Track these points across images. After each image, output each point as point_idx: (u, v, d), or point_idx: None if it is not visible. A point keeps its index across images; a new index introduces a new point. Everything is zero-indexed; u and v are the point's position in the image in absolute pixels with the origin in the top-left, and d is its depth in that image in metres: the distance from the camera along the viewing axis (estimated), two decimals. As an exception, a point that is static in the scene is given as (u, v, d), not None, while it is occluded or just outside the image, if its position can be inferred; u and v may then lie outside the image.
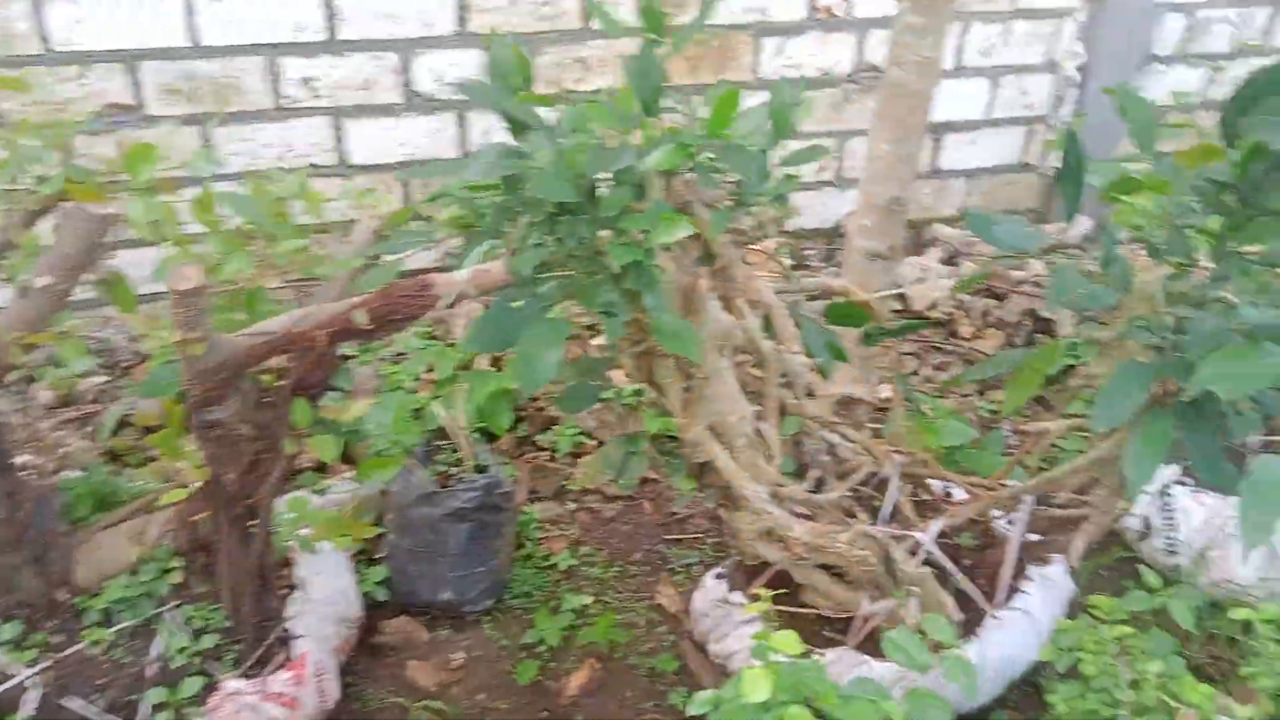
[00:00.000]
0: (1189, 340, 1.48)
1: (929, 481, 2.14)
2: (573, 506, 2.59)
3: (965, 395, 3.03)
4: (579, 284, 1.45)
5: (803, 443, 1.91)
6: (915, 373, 3.12)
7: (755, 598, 2.00)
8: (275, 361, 1.55)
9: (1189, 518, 2.32)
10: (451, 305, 1.36)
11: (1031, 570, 2.12)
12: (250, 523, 1.74)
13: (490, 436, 2.65)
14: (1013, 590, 2.08)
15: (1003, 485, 2.01)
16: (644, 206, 1.46)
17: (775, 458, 1.81)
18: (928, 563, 1.92)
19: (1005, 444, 2.75)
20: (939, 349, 3.16)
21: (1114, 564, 2.46)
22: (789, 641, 1.05)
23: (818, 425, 1.91)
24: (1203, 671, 2.15)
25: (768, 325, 1.81)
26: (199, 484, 1.64)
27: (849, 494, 2.11)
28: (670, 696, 2.10)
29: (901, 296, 3.28)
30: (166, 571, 1.80)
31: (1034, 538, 2.19)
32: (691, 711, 1.03)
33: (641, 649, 2.23)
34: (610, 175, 1.44)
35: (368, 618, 2.25)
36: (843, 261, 2.40)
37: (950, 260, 3.84)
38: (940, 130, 3.89)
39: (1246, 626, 1.38)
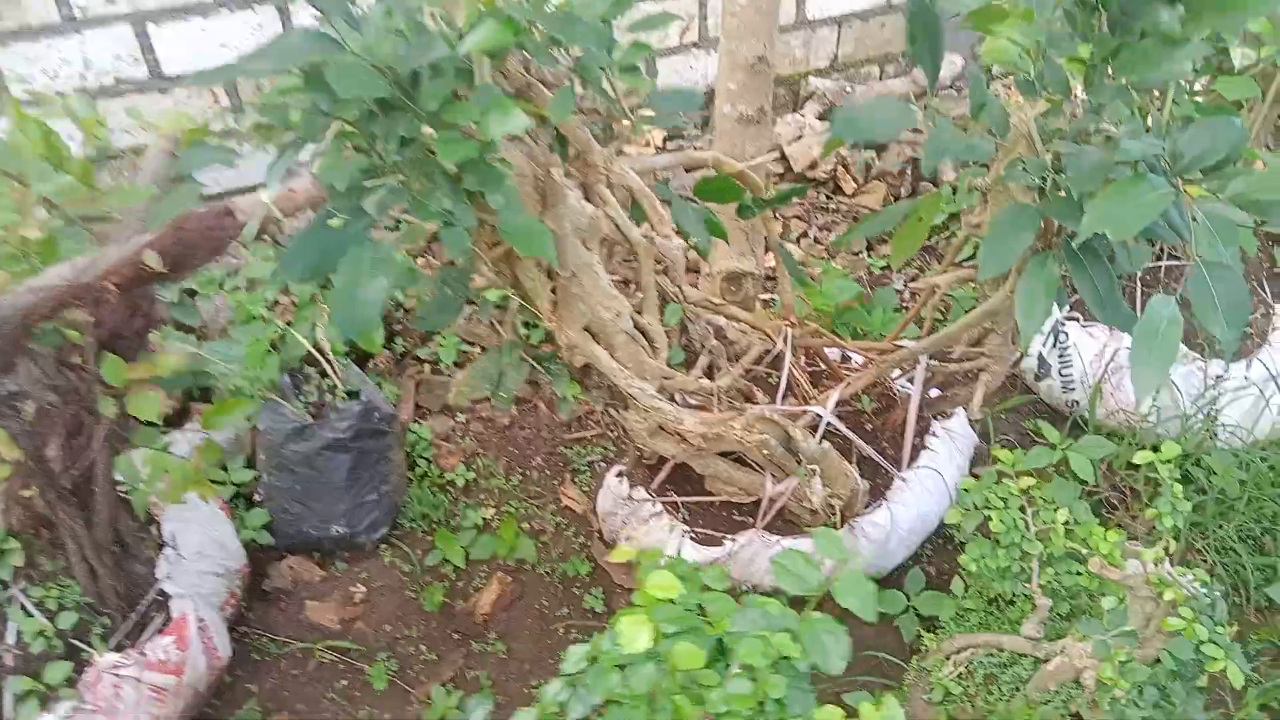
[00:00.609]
0: (1070, 178, 1.40)
1: (825, 351, 2.07)
2: (464, 419, 2.46)
3: (855, 254, 2.96)
4: (410, 191, 1.28)
5: (689, 329, 1.81)
6: (804, 235, 3.03)
7: (659, 492, 1.94)
8: (80, 316, 1.36)
9: (1083, 352, 2.32)
10: (260, 232, 1.18)
11: (935, 426, 2.10)
12: (90, 489, 1.57)
13: (365, 357, 2.49)
14: (918, 449, 2.05)
15: (898, 346, 1.95)
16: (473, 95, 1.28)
17: (660, 350, 1.70)
18: (829, 434, 1.87)
19: (899, 300, 2.70)
20: (824, 209, 3.06)
21: (1015, 408, 2.46)
22: (667, 584, 0.95)
23: (701, 309, 1.81)
24: (1109, 511, 2.18)
25: (638, 211, 1.68)
26: (18, 460, 1.46)
27: (744, 375, 2.04)
28: (585, 599, 2.04)
29: (783, 157, 3.15)
30: (3, 554, 1.63)
31: (934, 393, 2.16)
32: (565, 669, 0.94)
33: (552, 556, 2.16)
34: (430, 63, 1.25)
35: (255, 564, 2.12)
36: (713, 129, 2.25)
37: (828, 114, 3.71)
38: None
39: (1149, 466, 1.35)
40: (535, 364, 1.68)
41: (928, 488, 1.98)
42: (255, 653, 1.98)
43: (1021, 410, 2.48)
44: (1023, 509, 1.51)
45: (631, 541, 1.98)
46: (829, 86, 3.86)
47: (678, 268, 1.72)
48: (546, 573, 2.11)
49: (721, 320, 1.82)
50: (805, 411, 1.80)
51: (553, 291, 1.57)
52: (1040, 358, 2.40)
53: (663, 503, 1.96)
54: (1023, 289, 1.42)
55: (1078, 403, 2.34)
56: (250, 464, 2.22)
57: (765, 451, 1.69)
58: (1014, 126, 1.60)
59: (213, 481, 2.11)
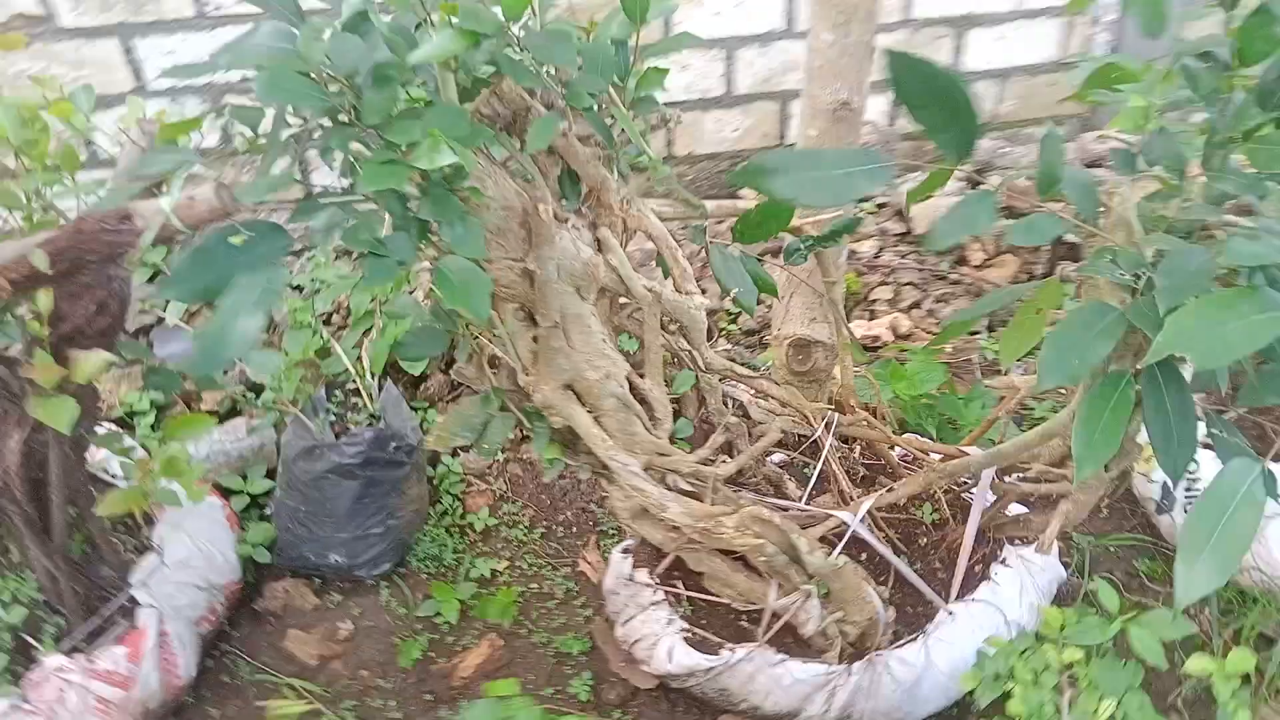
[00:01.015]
0: (1163, 282, 1.09)
1: (885, 446, 1.78)
2: (504, 457, 2.31)
3: (974, 333, 2.62)
4: (352, 213, 1.13)
5: (706, 402, 1.58)
6: (917, 305, 2.72)
7: (663, 578, 1.72)
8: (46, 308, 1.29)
9: (1215, 488, 1.91)
10: (170, 240, 1.06)
11: (1008, 552, 1.77)
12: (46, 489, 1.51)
13: (419, 379, 2.38)
14: (978, 578, 1.73)
15: (962, 453, 1.65)
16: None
17: (662, 421, 1.49)
18: (861, 547, 1.59)
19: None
20: (944, 278, 2.74)
21: (1131, 539, 2.07)
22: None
23: (725, 379, 1.57)
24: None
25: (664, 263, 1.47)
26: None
27: (779, 463, 1.78)
28: (573, 683, 1.83)
29: (900, 216, 2.86)
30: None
31: (1017, 510, 1.83)
32: None
33: (553, 624, 1.96)
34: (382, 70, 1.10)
35: (255, 580, 2.04)
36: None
37: (978, 174, 3.37)
38: (961, 24, 3.38)
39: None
40: (524, 415, 1.49)
41: (981, 625, 1.65)
42: (227, 675, 1.88)
43: (1138, 547, 2.08)
44: (1059, 689, 1.19)
45: (629, 628, 1.75)
46: (982, 145, 3.50)
47: (694, 328, 1.50)
48: (541, 643, 1.92)
49: (744, 394, 1.58)
50: (829, 516, 1.53)
51: (534, 340, 1.38)
52: (1165, 487, 2.00)
53: (665, 591, 1.73)
54: (1086, 412, 1.12)
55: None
56: (271, 475, 2.15)
57: (762, 558, 1.44)
58: (1115, 209, 1.30)
59: (228, 490, 2.06)
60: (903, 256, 2.84)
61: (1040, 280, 2.62)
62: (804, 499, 1.61)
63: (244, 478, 2.13)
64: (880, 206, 3.11)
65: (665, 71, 1.33)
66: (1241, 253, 0.98)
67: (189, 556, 1.85)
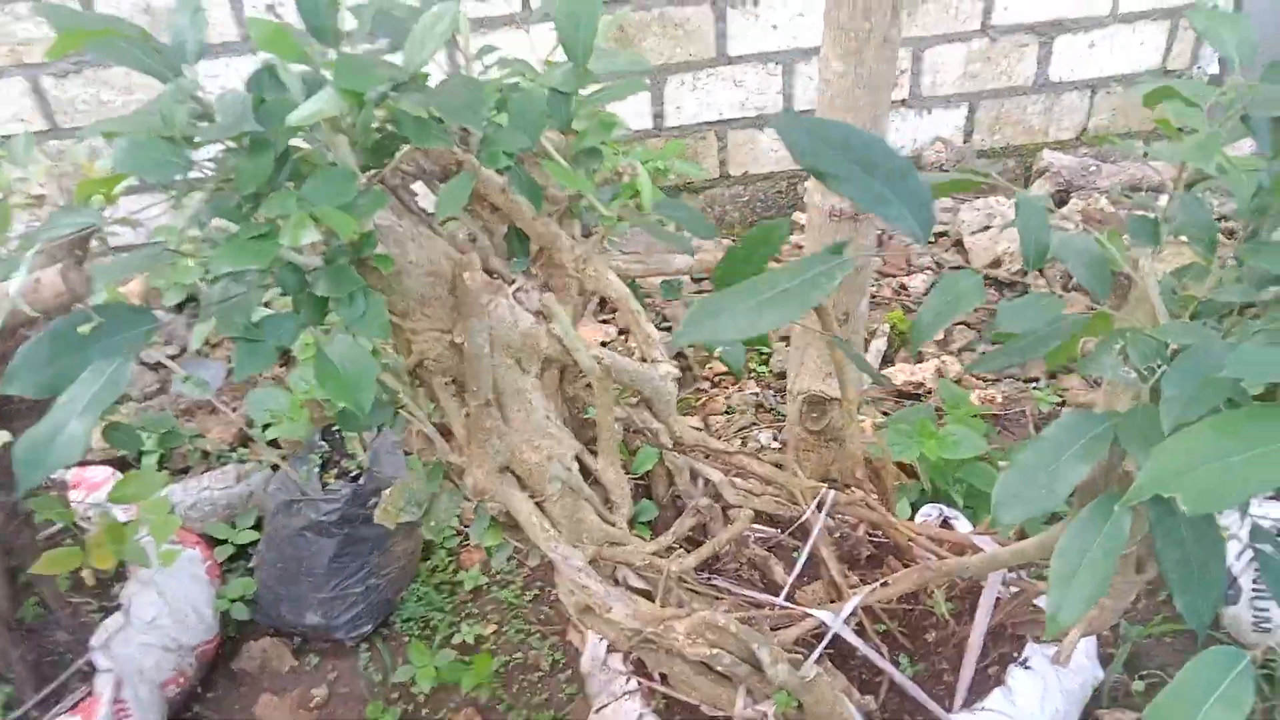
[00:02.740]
0: (1169, 389, 0.88)
1: (895, 522, 1.58)
2: (506, 508, 2.18)
3: (1029, 381, 2.38)
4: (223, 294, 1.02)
5: (675, 481, 1.42)
6: (969, 349, 2.49)
7: (638, 668, 1.56)
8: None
9: (1291, 581, 1.65)
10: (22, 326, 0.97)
11: (1031, 652, 1.55)
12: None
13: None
14: (993, 681, 1.52)
15: (973, 546, 1.44)
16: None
17: (619, 505, 1.33)
18: (839, 652, 1.40)
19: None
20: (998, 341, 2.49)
21: (1175, 632, 1.82)
22: None
23: (694, 456, 1.41)
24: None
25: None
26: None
27: (767, 543, 1.60)
28: (546, 771, 1.69)
29: (959, 247, 2.62)
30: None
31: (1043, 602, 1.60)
32: None
33: (535, 699, 1.83)
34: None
35: (236, 636, 1.96)
36: (805, 224, 1.83)
37: (1063, 196, 3.09)
38: (1047, 31, 3.11)
39: None
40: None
41: (993, 740, 1.44)
42: (196, 739, 1.81)
43: (1194, 637, 1.82)
44: None
45: (601, 717, 1.60)
46: (1068, 163, 3.23)
47: (659, 400, 1.34)
48: (521, 721, 1.78)
49: (715, 474, 1.41)
50: (806, 616, 1.35)
51: (465, 419, 1.25)
52: (1229, 575, 1.75)
53: (640, 681, 1.57)
54: (1065, 547, 0.92)
55: (1274, 650, 1.67)
56: (261, 525, 2.07)
57: (719, 669, 1.27)
58: (1137, 284, 1.09)
59: (215, 540, 1.99)
60: (991, 340, 2.61)
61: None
62: (788, 588, 1.43)
63: (232, 526, 2.05)
64: (938, 236, 2.88)
65: (613, 121, 1.18)
66: (1247, 363, 0.77)
67: (158, 615, 1.77)
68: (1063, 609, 0.92)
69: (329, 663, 1.91)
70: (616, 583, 1.32)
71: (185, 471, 2.24)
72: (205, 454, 2.25)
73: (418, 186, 1.17)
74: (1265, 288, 1.00)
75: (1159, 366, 0.96)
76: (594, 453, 1.32)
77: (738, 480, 1.43)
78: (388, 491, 1.42)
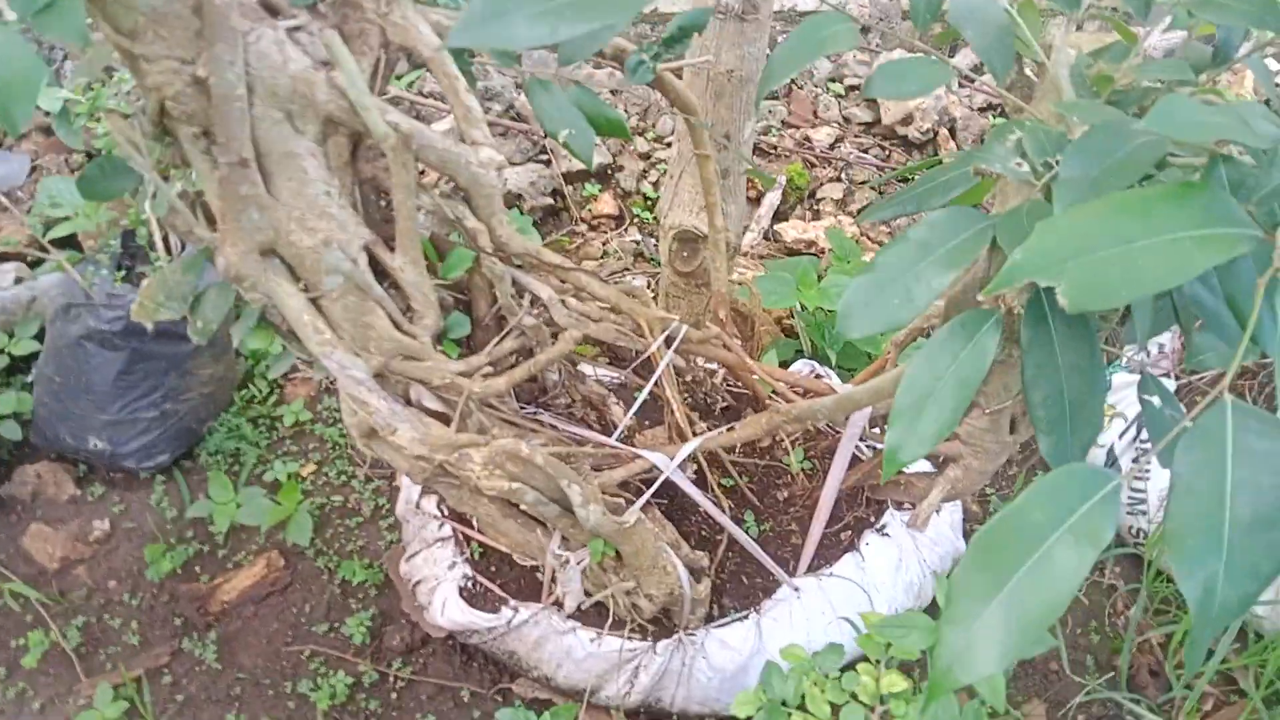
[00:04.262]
0: (1066, 170, 0.69)
1: (751, 364, 1.40)
2: (343, 340, 1.94)
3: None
4: None
5: (496, 293, 1.20)
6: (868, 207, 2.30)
7: (454, 514, 1.37)
8: None
9: (1171, 463, 1.54)
10: None
11: (889, 518, 1.41)
12: None
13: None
14: (845, 546, 1.38)
15: (831, 391, 1.27)
16: None
17: (423, 313, 1.11)
18: (679, 505, 1.23)
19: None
20: (908, 179, 2.31)
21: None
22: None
23: (529, 266, 1.18)
24: None
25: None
26: None
27: (612, 382, 1.41)
28: (349, 620, 1.51)
29: (873, 104, 2.41)
30: None
31: (923, 468, 1.46)
32: None
33: (348, 546, 1.63)
34: None
35: (7, 460, 1.71)
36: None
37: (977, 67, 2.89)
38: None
39: None
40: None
41: (836, 606, 1.31)
42: (-52, 571, 1.57)
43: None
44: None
45: (412, 565, 1.42)
46: None
47: (478, 192, 1.10)
48: (326, 568, 1.59)
49: (545, 291, 1.19)
50: (637, 457, 1.16)
51: (218, 184, 1.00)
52: (1110, 451, 1.63)
53: (454, 528, 1.38)
54: (915, 373, 0.74)
55: (1144, 533, 1.57)
56: (44, 336, 1.79)
57: (523, 506, 1.08)
58: (1049, 69, 0.89)
59: (-14, 348, 1.70)
60: (863, 150, 2.41)
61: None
62: (622, 429, 1.24)
63: (10, 336, 1.77)
64: (851, 89, 2.65)
65: None
66: (1178, 120, 0.58)
67: (-102, 425, 1.51)
68: (904, 445, 0.75)
69: (116, 494, 1.68)
70: (409, 403, 1.11)
71: (-27, 275, 1.93)
72: (2, 255, 1.94)
73: None
74: (1206, 68, 0.81)
75: (1058, 162, 0.77)
76: (393, 250, 1.09)
77: (572, 301, 1.22)
78: (144, 283, 1.17)
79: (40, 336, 1.78)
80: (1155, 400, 0.96)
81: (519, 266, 1.23)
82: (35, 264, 1.97)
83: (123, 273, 1.67)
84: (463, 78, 1.07)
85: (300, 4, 1.01)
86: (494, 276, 1.18)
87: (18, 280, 1.78)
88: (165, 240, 1.70)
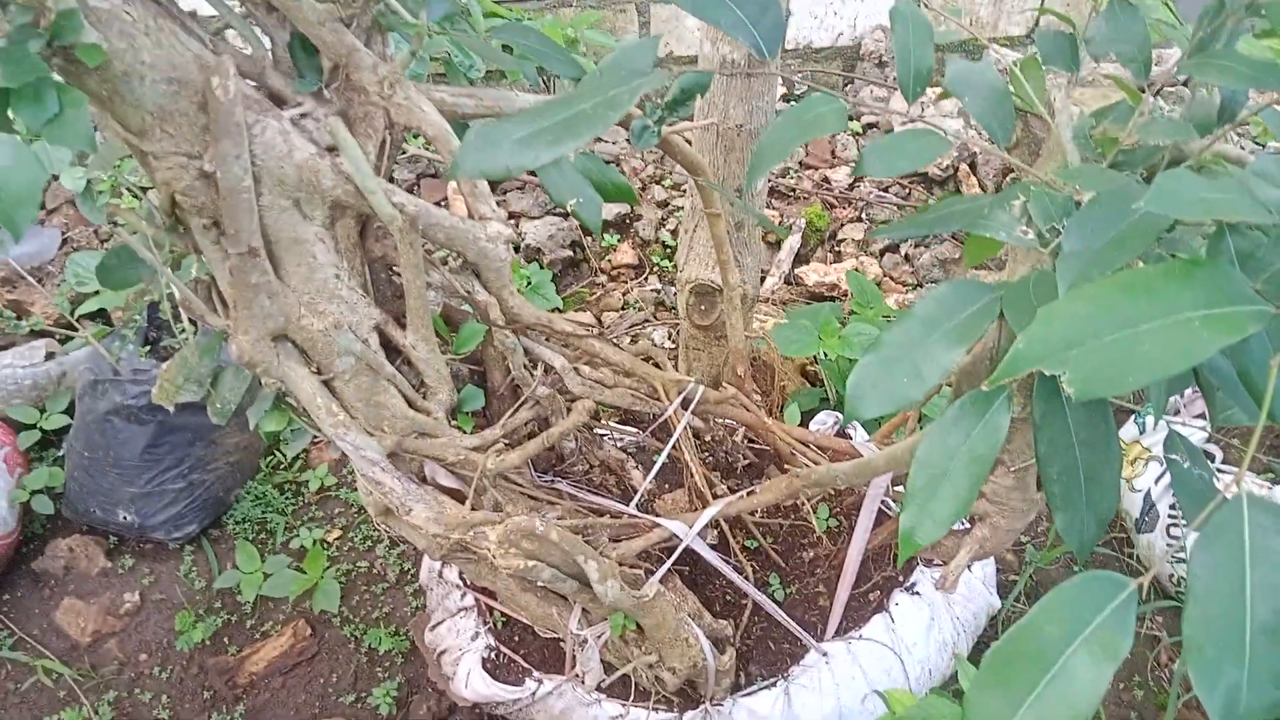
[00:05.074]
0: (1070, 244, 0.68)
1: (775, 427, 1.38)
2: (367, 402, 1.95)
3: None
4: None
5: (509, 364, 1.20)
6: (893, 249, 2.28)
7: (474, 583, 1.36)
8: None
9: (1210, 507, 1.49)
10: None
11: (918, 577, 1.38)
12: None
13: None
14: (874, 607, 1.35)
15: (855, 452, 1.25)
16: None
17: (436, 389, 1.11)
18: (702, 570, 1.21)
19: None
20: (925, 218, 2.29)
21: (1104, 554, 1.66)
22: None
23: (534, 338, 1.18)
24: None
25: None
26: None
27: (631, 445, 1.40)
28: (375, 691, 1.50)
29: (888, 142, 2.40)
30: None
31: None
32: None
33: (374, 614, 1.63)
34: None
35: (41, 534, 1.73)
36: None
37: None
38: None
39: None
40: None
41: (867, 671, 1.28)
42: (-16, 646, 1.58)
43: (1106, 565, 1.67)
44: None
45: (436, 635, 1.41)
46: (1017, 60, 2.99)
47: (487, 266, 1.10)
48: (353, 636, 1.58)
49: (558, 359, 1.18)
50: (655, 526, 1.15)
51: (229, 272, 1.01)
52: (1146, 496, 1.59)
53: (476, 598, 1.38)
54: (927, 453, 0.72)
55: (1185, 582, 1.52)
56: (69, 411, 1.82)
57: (540, 584, 1.07)
58: (1055, 129, 0.88)
59: (19, 424, 1.74)
60: (883, 189, 2.39)
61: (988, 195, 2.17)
62: (641, 495, 1.23)
63: (41, 411, 1.80)
64: (868, 128, 2.64)
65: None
66: (1180, 199, 0.56)
67: (-68, 506, 1.54)
68: (919, 527, 0.72)
69: (146, 566, 1.69)
70: (424, 481, 1.11)
71: (5, 350, 1.97)
72: (33, 333, 1.98)
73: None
74: (1212, 127, 0.80)
75: (1064, 227, 0.75)
76: (404, 327, 1.09)
77: (586, 369, 1.21)
78: (163, 366, 1.18)
79: (70, 411, 1.81)
80: (1182, 461, 0.93)
81: (529, 335, 1.23)
82: (65, 339, 2.00)
83: (148, 347, 1.69)
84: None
85: (304, 90, 1.02)
86: (507, 349, 1.18)
87: (49, 356, 1.81)
88: (183, 311, 1.73)
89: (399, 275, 1.17)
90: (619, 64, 1.04)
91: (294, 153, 0.97)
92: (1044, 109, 0.88)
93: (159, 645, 1.58)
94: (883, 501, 1.36)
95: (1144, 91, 0.79)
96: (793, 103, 2.41)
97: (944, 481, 0.72)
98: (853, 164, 2.47)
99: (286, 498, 1.80)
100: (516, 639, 1.34)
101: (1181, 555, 1.52)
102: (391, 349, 1.10)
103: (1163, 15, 1.15)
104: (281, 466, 1.85)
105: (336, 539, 1.74)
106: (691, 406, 1.26)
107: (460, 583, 1.39)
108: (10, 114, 0.79)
